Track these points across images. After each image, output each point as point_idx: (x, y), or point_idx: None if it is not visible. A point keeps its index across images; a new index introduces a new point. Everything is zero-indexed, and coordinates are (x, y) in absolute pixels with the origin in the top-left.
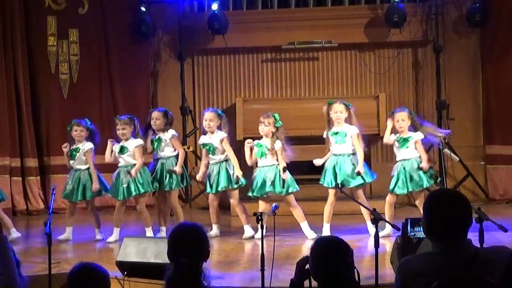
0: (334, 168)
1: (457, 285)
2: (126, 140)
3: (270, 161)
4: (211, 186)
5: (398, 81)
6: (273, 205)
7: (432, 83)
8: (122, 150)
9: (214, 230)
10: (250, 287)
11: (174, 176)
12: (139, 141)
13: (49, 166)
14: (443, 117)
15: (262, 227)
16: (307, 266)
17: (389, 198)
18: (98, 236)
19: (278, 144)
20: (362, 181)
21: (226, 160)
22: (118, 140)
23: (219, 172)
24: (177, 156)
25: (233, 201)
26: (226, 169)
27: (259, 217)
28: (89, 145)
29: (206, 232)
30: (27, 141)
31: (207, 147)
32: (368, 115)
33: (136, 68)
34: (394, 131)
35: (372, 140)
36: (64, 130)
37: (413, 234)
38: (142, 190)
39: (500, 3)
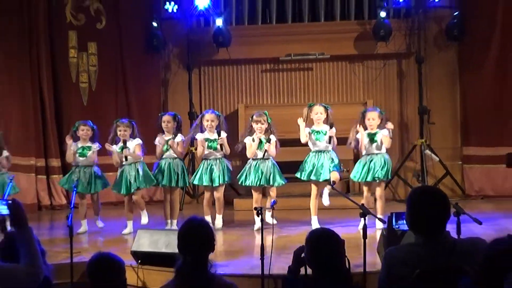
0: (314, 163)
1: (437, 273)
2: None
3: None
4: (212, 180)
5: (384, 89)
6: (272, 200)
7: (414, 91)
8: (123, 149)
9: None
10: (251, 274)
11: (180, 175)
12: (138, 141)
13: (71, 166)
14: (424, 122)
15: (262, 221)
16: (303, 254)
17: (364, 190)
18: (98, 224)
19: (273, 138)
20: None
21: (224, 156)
22: (115, 142)
23: (221, 168)
24: (181, 158)
25: (219, 194)
26: (226, 165)
27: (259, 211)
28: (98, 146)
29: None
30: (50, 143)
31: (211, 143)
32: (357, 120)
33: (149, 77)
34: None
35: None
36: None
37: (397, 226)
38: (142, 185)
39: (476, 20)
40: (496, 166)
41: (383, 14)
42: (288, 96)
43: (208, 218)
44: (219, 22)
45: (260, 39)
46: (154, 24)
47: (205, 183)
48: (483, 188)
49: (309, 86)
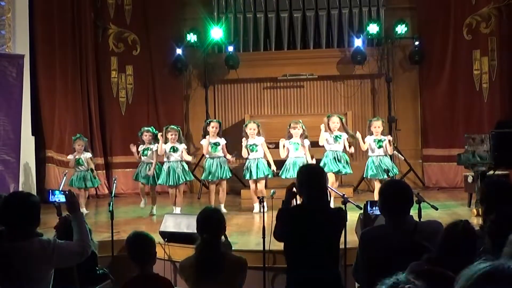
0: (334, 159)
1: (403, 249)
2: (174, 143)
3: (301, 154)
4: (251, 174)
5: (360, 102)
6: (271, 191)
7: (384, 104)
8: (174, 149)
9: (257, 206)
10: (255, 250)
11: (226, 168)
12: (184, 146)
13: (112, 163)
14: (392, 128)
15: (263, 207)
16: (294, 189)
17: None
18: (154, 211)
19: (307, 142)
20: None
21: (262, 157)
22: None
23: (258, 165)
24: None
25: (262, 185)
26: (263, 163)
27: (261, 200)
28: (155, 147)
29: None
30: (96, 145)
31: (252, 147)
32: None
33: (174, 93)
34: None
35: None
36: (122, 137)
37: (371, 211)
38: (188, 178)
39: (432, 48)
40: (449, 164)
41: (359, 43)
42: (284, 108)
43: (256, 205)
44: (229, 49)
45: (262, 63)
46: (178, 51)
47: (247, 177)
48: (439, 181)
49: (301, 100)
